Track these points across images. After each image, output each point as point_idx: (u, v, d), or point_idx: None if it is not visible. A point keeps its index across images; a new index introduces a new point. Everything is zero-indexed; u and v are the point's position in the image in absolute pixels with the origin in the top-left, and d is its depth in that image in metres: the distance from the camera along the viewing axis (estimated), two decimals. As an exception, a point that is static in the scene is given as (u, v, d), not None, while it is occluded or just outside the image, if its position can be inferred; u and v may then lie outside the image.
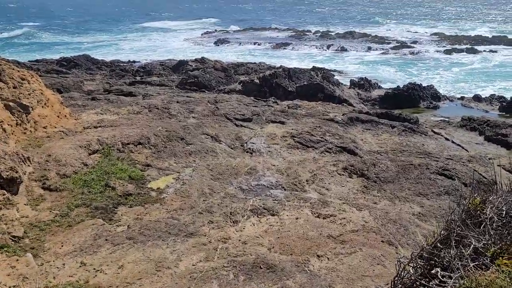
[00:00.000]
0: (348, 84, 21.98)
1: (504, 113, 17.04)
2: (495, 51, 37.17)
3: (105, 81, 19.61)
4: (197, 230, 6.27)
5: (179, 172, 8.38)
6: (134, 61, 31.11)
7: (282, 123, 11.95)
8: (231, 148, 9.95)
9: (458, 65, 31.66)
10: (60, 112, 10.37)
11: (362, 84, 21.77)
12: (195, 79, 19.82)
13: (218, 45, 47.80)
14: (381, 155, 9.79)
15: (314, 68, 23.28)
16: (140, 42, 51.95)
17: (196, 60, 25.68)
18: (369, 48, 41.44)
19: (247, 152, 9.74)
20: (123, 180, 7.66)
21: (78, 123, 10.47)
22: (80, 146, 8.58)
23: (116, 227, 6.36)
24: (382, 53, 39.27)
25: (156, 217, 6.63)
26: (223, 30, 64.56)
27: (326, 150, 9.95)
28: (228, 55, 39.46)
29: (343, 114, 13.36)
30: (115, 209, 6.82)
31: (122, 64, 27.79)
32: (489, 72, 29.14)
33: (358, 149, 9.99)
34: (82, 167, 7.94)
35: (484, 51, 37.27)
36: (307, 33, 54.71)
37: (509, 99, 18.18)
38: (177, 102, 13.36)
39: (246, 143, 10.21)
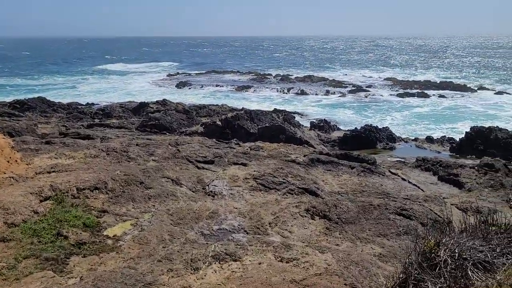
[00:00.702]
0: (309, 125, 22.53)
1: (454, 154, 17.93)
2: (443, 96, 39.56)
3: (61, 124, 19.04)
4: (156, 280, 5.97)
5: (137, 218, 8.08)
6: (93, 103, 30.61)
7: (244, 165, 11.94)
8: (193, 192, 9.76)
9: (409, 108, 33.40)
10: (10, 157, 9.87)
11: (322, 126, 22.37)
12: (156, 121, 19.66)
13: (180, 88, 48.11)
14: (342, 195, 9.91)
15: (275, 110, 23.76)
16: (100, 84, 51.47)
17: (157, 102, 25.59)
18: (328, 92, 43.01)
19: (209, 195, 9.59)
20: (76, 228, 7.27)
21: (30, 168, 9.97)
22: (30, 193, 8.13)
23: (67, 279, 5.94)
24: (340, 96, 40.82)
25: (112, 267, 6.28)
26: (185, 73, 65.23)
27: (288, 191, 9.97)
28: (190, 97, 39.73)
29: (304, 155, 13.56)
30: (67, 260, 6.40)
31: (80, 107, 27.22)
32: (438, 115, 30.90)
33: (320, 190, 10.08)
34: (32, 215, 7.49)
35: (433, 95, 39.62)
36: (268, 77, 56.27)
37: (458, 140, 19.21)
38: (137, 144, 13.12)
39: (208, 185, 10.07)
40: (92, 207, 8.26)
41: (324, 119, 23.81)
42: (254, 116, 20.33)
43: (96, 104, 30.37)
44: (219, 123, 19.70)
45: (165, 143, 13.81)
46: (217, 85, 48.22)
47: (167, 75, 62.15)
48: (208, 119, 22.38)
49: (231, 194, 9.66)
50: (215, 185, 10.07)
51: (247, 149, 14.34)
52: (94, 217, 7.81)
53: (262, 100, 39.02)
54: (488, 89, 43.97)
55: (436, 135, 21.96)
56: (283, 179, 10.57)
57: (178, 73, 64.21)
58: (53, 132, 16.73)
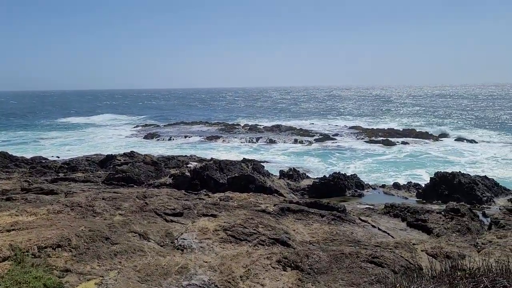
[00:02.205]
0: (278, 174, 22.66)
1: (421, 199, 18.36)
2: (407, 143, 41.08)
3: (23, 180, 18.33)
4: None
5: (102, 276, 7.68)
6: (58, 157, 29.80)
7: (214, 216, 11.75)
8: (161, 246, 9.45)
9: (374, 156, 34.40)
10: (-34, 215, 9.32)
11: (291, 174, 22.56)
12: (123, 173, 19.27)
13: (148, 139, 47.83)
14: (313, 245, 9.85)
15: (244, 160, 23.86)
16: (64, 138, 50.46)
17: (125, 154, 25.22)
18: (296, 140, 43.81)
19: (177, 249, 9.29)
20: (36, 290, 6.81)
21: (-13, 227, 9.43)
22: (-13, 253, 7.63)
23: None
24: (307, 145, 41.60)
25: (73, 332, 5.86)
26: (153, 124, 65.13)
27: (259, 242, 9.82)
28: (158, 148, 39.47)
29: (274, 205, 13.52)
30: (24, 326, 5.94)
31: (44, 161, 26.41)
32: (401, 162, 31.93)
33: (291, 240, 9.99)
34: (-13, 277, 6.98)
35: (397, 142, 41.07)
36: (237, 127, 56.99)
37: (423, 186, 19.76)
38: (103, 198, 12.72)
39: (177, 239, 9.79)
40: (54, 267, 7.81)
41: (293, 168, 24.05)
42: (223, 166, 20.32)
43: (61, 157, 29.57)
44: (188, 174, 19.53)
45: (132, 196, 13.48)
46: (185, 136, 48.25)
47: (135, 127, 61.84)
48: (177, 170, 22.16)
49: (201, 247, 9.41)
50: (184, 238, 9.80)
51: (217, 200, 14.18)
52: (55, 278, 7.36)
53: (231, 150, 39.24)
54: (448, 136, 46.09)
55: (401, 181, 22.54)
56: (254, 229, 10.43)
57: (146, 125, 64.02)
58: (15, 188, 16.03)
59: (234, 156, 32.10)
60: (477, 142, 41.46)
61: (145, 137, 47.80)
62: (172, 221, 11.20)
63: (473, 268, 2.74)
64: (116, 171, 19.78)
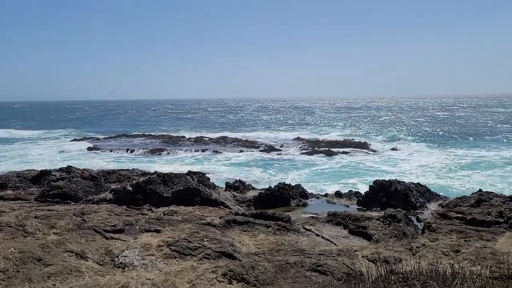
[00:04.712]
0: (224, 186, 22.53)
1: (361, 207, 19.06)
2: (347, 153, 42.69)
3: None
4: None
5: (34, 301, 7.14)
6: (-15, 173, 27.55)
7: (158, 231, 11.41)
8: (100, 265, 8.99)
9: (315, 166, 35.43)
10: None
11: (237, 186, 22.53)
12: (59, 190, 18.19)
13: (88, 153, 45.78)
14: (259, 256, 9.84)
15: (189, 172, 23.47)
16: (-6, 152, 47.07)
17: (61, 169, 23.86)
18: (241, 151, 43.97)
19: (118, 267, 8.89)
20: (-45, 321, 6.18)
21: None
22: None
23: None
24: (252, 156, 41.91)
25: None
26: (92, 137, 62.48)
27: (204, 256, 9.65)
28: (98, 162, 37.92)
29: (220, 217, 13.39)
30: None
31: (-32, 177, 24.30)
32: (342, 171, 33.15)
33: (237, 253, 9.92)
34: None
35: (339, 152, 42.56)
36: (182, 139, 56.24)
37: (363, 194, 20.55)
38: (36, 217, 11.91)
39: (118, 257, 9.36)
40: (-23, 294, 7.15)
41: (239, 179, 24.05)
42: (167, 179, 19.85)
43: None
44: (130, 188, 18.84)
45: (69, 213, 12.74)
46: (128, 149, 46.73)
47: (73, 140, 58.93)
48: (118, 185, 21.31)
49: (143, 264, 9.07)
50: (125, 256, 9.39)
51: (160, 214, 13.78)
52: (-21, 306, 6.73)
53: (175, 162, 38.57)
54: (384, 146, 48.56)
55: (342, 190, 23.31)
56: (199, 243, 10.24)
57: (84, 138, 61.25)
58: None
59: (179, 168, 31.55)
60: (411, 153, 44.07)
61: (85, 151, 45.69)
62: (112, 238, 10.70)
63: (406, 271, 2.86)
64: (51, 187, 18.63)
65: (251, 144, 49.77)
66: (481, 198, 15.85)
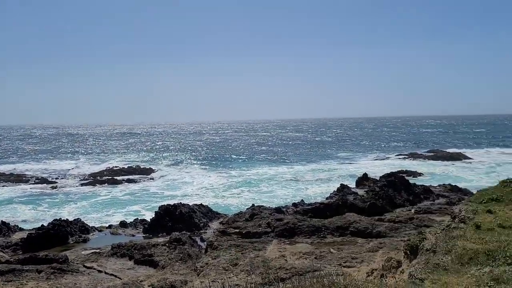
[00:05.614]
0: (-20, 232, 18.56)
1: (148, 234, 18.77)
2: (133, 180, 41.75)
3: None
4: None
5: None
6: None
7: None
8: None
9: (96, 196, 33.41)
10: None
11: (0, 229, 18.95)
12: None
13: None
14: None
15: None
16: None
17: None
18: (4, 187, 37.52)
19: None
20: None
21: None
22: None
23: None
24: (19, 191, 36.38)
25: None
26: None
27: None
28: None
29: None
30: None
31: None
32: (125, 199, 32.24)
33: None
34: None
35: (123, 180, 41.19)
36: None
37: (149, 220, 20.33)
38: None
39: None
40: None
41: (2, 221, 20.29)
42: None
43: None
44: None
45: None
46: None
47: None
48: None
49: None
50: None
51: None
52: None
53: None
54: (166, 170, 49.70)
55: (127, 219, 22.54)
56: None
57: None
58: None
59: None
60: (193, 176, 46.45)
61: None
62: None
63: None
64: None
65: (18, 178, 43.03)
66: (254, 212, 17.90)
